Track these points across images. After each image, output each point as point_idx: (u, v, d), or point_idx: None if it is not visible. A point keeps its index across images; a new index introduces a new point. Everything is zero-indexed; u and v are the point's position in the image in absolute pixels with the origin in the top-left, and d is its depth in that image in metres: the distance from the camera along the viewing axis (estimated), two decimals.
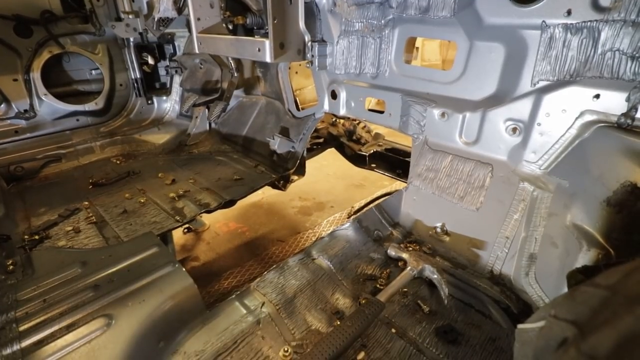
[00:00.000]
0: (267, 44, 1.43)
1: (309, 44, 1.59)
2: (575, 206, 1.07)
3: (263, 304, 1.18)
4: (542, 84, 1.10)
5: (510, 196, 1.26)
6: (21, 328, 0.99)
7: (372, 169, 2.44)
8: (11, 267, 1.28)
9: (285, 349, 1.03)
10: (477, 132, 1.31)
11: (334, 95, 1.81)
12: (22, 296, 1.12)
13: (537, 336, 0.56)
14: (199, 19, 1.69)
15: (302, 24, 1.52)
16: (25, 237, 1.50)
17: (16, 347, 0.94)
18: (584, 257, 0.99)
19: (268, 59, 1.45)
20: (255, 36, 1.58)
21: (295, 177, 2.25)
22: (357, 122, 2.54)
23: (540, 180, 1.18)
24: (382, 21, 1.45)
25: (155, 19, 2.09)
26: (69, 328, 0.99)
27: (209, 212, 1.81)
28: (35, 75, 2.21)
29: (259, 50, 1.46)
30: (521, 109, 1.18)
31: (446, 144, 1.43)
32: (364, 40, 1.54)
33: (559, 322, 0.51)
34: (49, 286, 1.15)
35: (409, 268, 1.29)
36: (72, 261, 1.28)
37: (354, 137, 2.52)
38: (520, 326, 0.62)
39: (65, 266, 1.25)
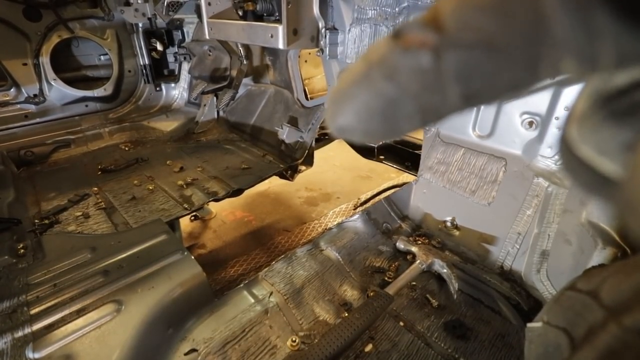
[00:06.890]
0: (280, 29, 1.39)
1: (323, 30, 1.56)
2: (592, 203, 1.04)
3: (271, 293, 1.18)
4: (561, 76, 1.07)
5: (524, 191, 1.23)
6: (32, 311, 1.00)
7: (380, 160, 2.42)
8: (22, 250, 1.29)
9: (293, 339, 1.03)
10: (491, 125, 1.28)
11: None
12: (33, 280, 1.13)
13: (535, 343, 0.55)
14: (209, 4, 1.66)
15: (316, 10, 1.48)
16: (36, 221, 1.51)
17: (27, 330, 0.94)
18: (599, 256, 0.97)
19: (281, 45, 1.42)
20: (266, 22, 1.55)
21: (303, 168, 2.24)
22: None
23: (556, 176, 1.15)
24: (397, 9, 1.40)
25: (165, 4, 2.06)
26: (79, 313, 1.00)
27: (216, 200, 1.81)
28: (45, 60, 2.20)
29: (272, 36, 1.43)
30: (539, 102, 1.14)
31: (459, 137, 1.40)
32: (376, 29, 1.50)
33: (552, 328, 0.50)
34: (60, 271, 1.16)
35: (417, 261, 1.28)
36: (82, 246, 1.29)
37: None
38: (529, 325, 0.61)
39: (76, 251, 1.26)
